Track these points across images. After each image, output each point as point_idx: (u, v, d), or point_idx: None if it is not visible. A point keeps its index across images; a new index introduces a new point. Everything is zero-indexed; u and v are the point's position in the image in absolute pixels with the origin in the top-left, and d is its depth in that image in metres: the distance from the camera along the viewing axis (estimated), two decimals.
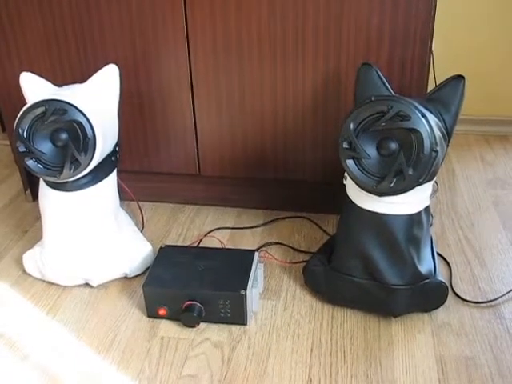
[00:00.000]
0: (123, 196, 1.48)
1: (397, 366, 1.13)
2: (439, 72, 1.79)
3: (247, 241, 1.54)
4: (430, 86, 1.32)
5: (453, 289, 1.33)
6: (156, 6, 1.38)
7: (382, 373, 1.12)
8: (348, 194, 1.22)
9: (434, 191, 1.75)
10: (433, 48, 1.35)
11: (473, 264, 1.42)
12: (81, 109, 1.18)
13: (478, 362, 1.14)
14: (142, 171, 1.64)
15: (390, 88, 1.21)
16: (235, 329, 1.24)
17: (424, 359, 1.15)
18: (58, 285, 1.38)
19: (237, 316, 1.23)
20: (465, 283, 1.35)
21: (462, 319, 1.24)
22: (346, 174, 1.20)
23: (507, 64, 2.04)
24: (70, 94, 1.22)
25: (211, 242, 1.53)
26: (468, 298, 1.30)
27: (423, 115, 1.06)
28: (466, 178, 1.84)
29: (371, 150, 1.11)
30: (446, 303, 1.25)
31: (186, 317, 1.21)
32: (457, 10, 1.97)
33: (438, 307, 1.25)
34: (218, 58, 1.42)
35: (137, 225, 1.52)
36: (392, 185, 1.09)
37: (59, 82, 1.45)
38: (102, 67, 1.30)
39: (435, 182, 1.79)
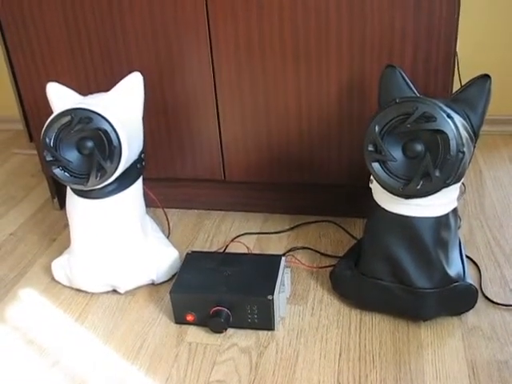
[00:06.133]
0: (149, 203, 1.49)
1: (427, 371, 1.12)
2: (464, 72, 1.77)
3: (274, 246, 1.54)
4: (455, 87, 1.31)
5: (483, 291, 1.31)
6: (178, 12, 1.39)
7: (411, 377, 1.10)
8: (374, 197, 1.21)
9: (462, 193, 1.73)
10: (457, 48, 1.34)
11: (503, 266, 1.40)
12: (106, 117, 1.19)
13: (511, 365, 1.11)
14: (168, 178, 1.65)
15: (414, 89, 1.20)
16: (263, 334, 1.23)
17: (455, 364, 1.13)
18: (86, 292, 1.39)
19: (264, 321, 1.22)
20: (495, 285, 1.33)
21: (492, 322, 1.22)
22: (371, 176, 1.20)
23: None
24: (95, 102, 1.23)
25: (238, 248, 1.53)
26: (499, 301, 1.28)
27: (449, 116, 1.05)
28: (493, 179, 1.82)
29: (397, 153, 1.11)
30: (476, 306, 1.23)
31: (214, 322, 1.21)
32: (482, 9, 1.94)
33: (467, 310, 1.23)
34: (241, 62, 1.42)
35: (163, 231, 1.52)
36: (419, 187, 1.08)
37: (84, 91, 1.47)
38: (126, 75, 1.31)
39: (462, 183, 1.77)
